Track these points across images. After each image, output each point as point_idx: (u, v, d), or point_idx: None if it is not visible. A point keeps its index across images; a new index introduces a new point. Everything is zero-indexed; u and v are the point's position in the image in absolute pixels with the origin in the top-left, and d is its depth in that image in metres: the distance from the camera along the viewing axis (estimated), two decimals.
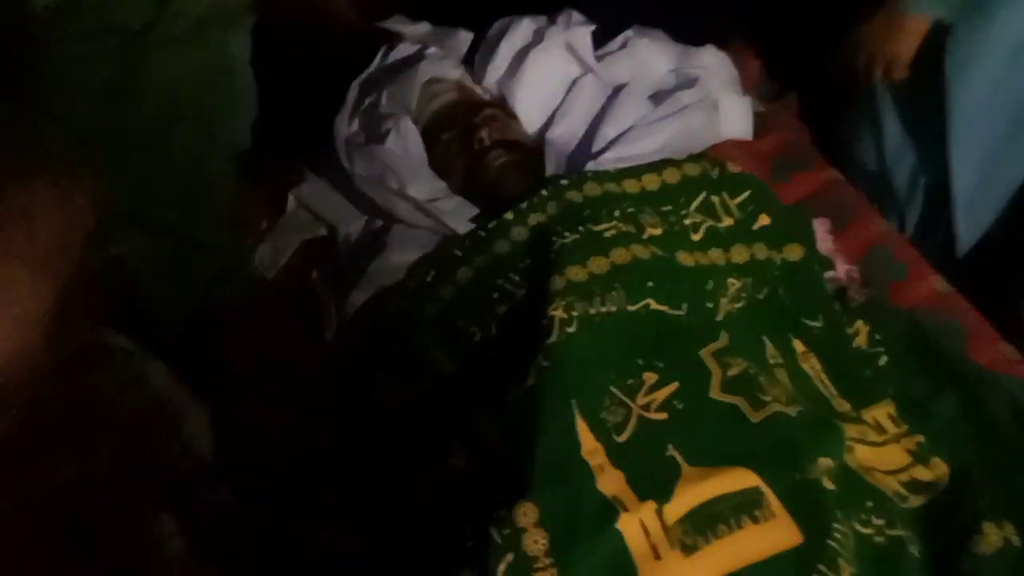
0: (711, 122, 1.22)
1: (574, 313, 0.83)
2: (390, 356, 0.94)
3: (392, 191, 1.07)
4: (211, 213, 1.10)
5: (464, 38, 1.25)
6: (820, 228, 1.15)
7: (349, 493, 0.85)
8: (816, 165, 1.26)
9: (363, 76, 1.27)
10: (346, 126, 1.19)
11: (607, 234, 0.93)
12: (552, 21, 1.19)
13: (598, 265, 0.88)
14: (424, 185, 1.08)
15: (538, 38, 1.17)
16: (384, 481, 0.84)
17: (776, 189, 1.15)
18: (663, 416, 0.80)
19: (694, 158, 1.06)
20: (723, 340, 0.85)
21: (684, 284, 0.89)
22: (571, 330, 0.82)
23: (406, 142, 1.12)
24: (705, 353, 0.84)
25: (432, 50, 1.25)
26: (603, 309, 0.85)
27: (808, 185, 1.24)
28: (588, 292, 0.85)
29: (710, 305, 0.90)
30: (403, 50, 1.27)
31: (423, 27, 1.28)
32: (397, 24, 1.28)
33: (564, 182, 1.02)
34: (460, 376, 0.89)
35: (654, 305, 0.87)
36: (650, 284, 0.87)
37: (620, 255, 0.89)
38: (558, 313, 0.82)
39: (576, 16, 1.18)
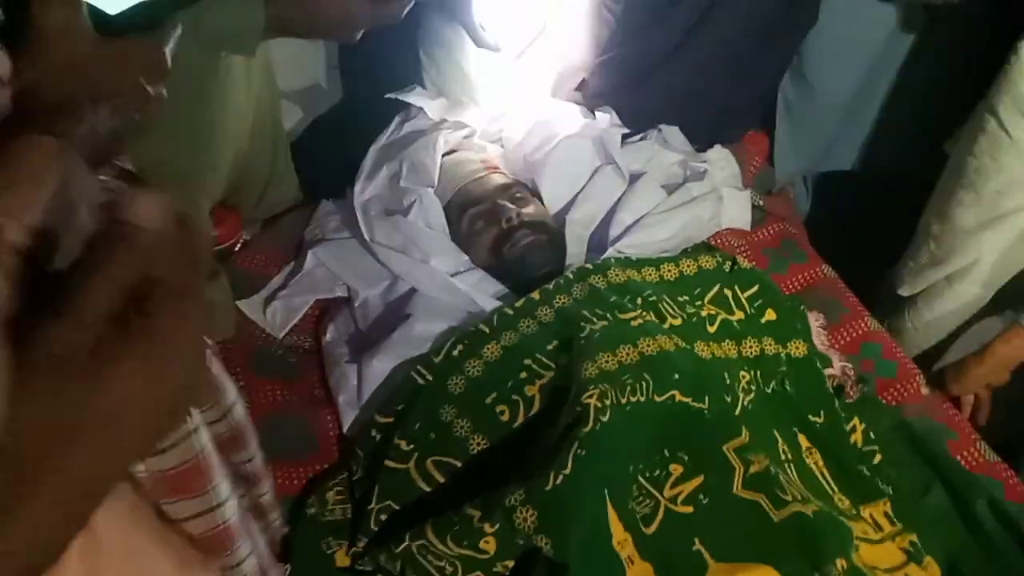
0: (715, 212, 1.27)
1: (607, 402, 0.84)
2: (413, 428, 0.94)
3: (415, 262, 1.08)
4: None
5: (483, 114, 1.28)
6: (815, 322, 1.21)
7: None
8: (810, 259, 1.32)
9: (380, 143, 1.28)
10: (364, 193, 1.19)
11: (633, 323, 0.95)
12: (588, 112, 1.25)
13: (627, 354, 0.91)
14: (447, 258, 1.09)
15: (572, 125, 1.22)
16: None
17: (774, 279, 1.21)
18: (689, 509, 0.82)
19: (708, 250, 1.11)
20: (744, 436, 0.88)
21: (706, 377, 0.92)
22: (605, 419, 0.83)
23: (428, 215, 1.13)
24: (728, 448, 0.86)
25: (451, 122, 1.28)
26: (633, 399, 0.87)
27: (803, 278, 1.30)
28: (619, 381, 0.87)
29: (729, 399, 0.93)
30: (421, 121, 1.29)
31: (441, 101, 1.31)
32: (415, 95, 1.30)
33: (588, 266, 1.05)
34: (488, 452, 0.89)
35: (679, 397, 0.89)
36: (676, 376, 0.90)
37: (647, 345, 0.92)
38: (592, 401, 0.84)
39: (613, 118, 1.24)
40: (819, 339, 1.18)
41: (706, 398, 0.91)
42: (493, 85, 1.28)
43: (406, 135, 1.26)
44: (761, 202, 1.38)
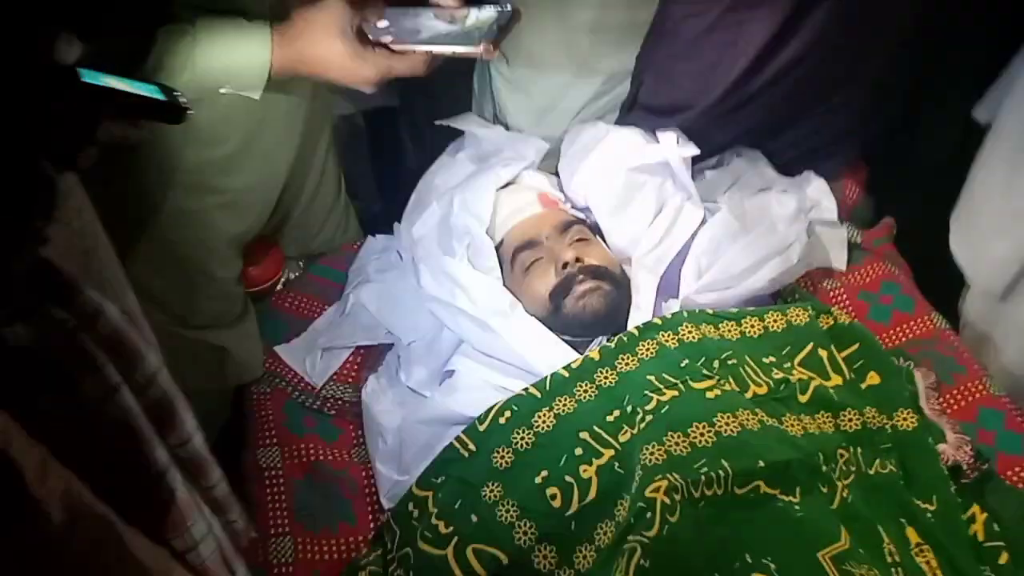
0: (807, 253, 1.11)
1: (676, 497, 0.71)
2: (452, 506, 0.82)
3: (462, 312, 0.96)
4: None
5: (540, 146, 1.15)
6: (922, 383, 1.03)
7: None
8: (918, 306, 1.14)
9: (430, 174, 1.17)
10: (412, 230, 1.09)
11: (709, 394, 0.81)
12: (651, 136, 1.10)
13: (701, 435, 0.77)
14: (496, 307, 0.97)
15: (635, 154, 1.07)
16: None
17: (873, 330, 1.04)
18: None
19: (798, 301, 0.95)
20: (843, 541, 0.72)
21: (796, 464, 0.77)
22: (673, 520, 0.70)
23: (479, 256, 1.01)
24: (824, 556, 0.71)
25: (507, 153, 1.16)
26: (708, 492, 0.73)
27: (909, 330, 1.12)
28: (691, 470, 0.73)
29: (825, 489, 0.78)
30: (474, 150, 1.18)
31: (497, 130, 1.19)
32: (468, 121, 1.19)
33: (657, 321, 0.91)
34: (535, 544, 0.77)
35: (764, 488, 0.75)
36: (760, 463, 0.75)
37: (726, 423, 0.77)
38: (659, 496, 0.70)
39: (677, 135, 1.08)
40: (928, 404, 1.01)
41: (797, 490, 0.76)
42: (549, 110, 1.15)
43: (458, 167, 1.15)
44: (859, 239, 1.20)
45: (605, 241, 1.06)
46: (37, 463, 0.44)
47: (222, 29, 0.78)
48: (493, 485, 0.82)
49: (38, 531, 0.44)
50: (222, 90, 0.80)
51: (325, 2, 0.80)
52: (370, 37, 0.81)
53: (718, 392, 0.81)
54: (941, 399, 1.02)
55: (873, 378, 0.93)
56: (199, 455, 0.63)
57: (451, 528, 0.81)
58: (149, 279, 0.92)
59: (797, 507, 0.75)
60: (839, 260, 1.18)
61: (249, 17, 0.79)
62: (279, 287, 1.14)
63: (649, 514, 0.70)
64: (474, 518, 0.81)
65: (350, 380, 1.06)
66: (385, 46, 0.81)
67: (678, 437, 0.76)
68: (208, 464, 0.64)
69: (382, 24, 0.82)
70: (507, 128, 1.19)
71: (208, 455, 0.64)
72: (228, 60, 0.78)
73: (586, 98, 1.14)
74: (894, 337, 1.11)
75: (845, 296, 1.16)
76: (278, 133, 0.97)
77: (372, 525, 0.93)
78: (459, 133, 1.19)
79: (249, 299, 1.08)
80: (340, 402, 1.04)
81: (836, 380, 0.90)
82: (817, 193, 1.19)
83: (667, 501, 0.70)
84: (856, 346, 0.94)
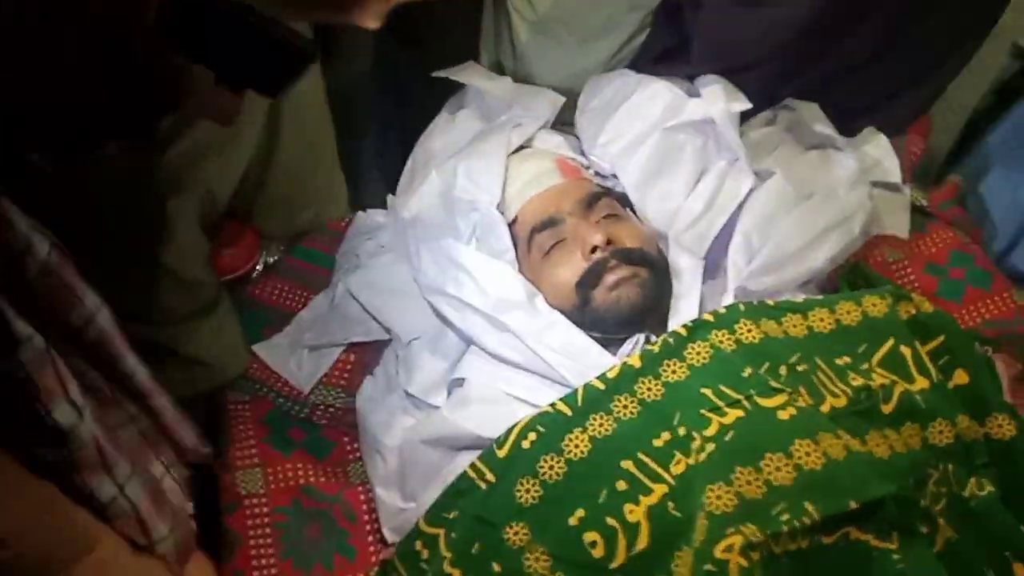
0: (868, 222, 0.94)
1: (754, 557, 0.55)
2: (468, 549, 0.67)
3: (470, 308, 0.80)
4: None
5: (555, 100, 0.96)
6: (1004, 373, 0.87)
7: None
8: (995, 283, 0.97)
9: (427, 138, 0.98)
10: (408, 206, 0.91)
11: (782, 414, 0.65)
12: (691, 87, 0.91)
13: (777, 468, 0.61)
14: (511, 298, 0.80)
15: (672, 110, 0.88)
16: None
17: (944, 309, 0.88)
18: None
19: (878, 290, 0.78)
20: None
21: (889, 501, 0.62)
22: None
23: (489, 237, 0.84)
24: None
25: (517, 110, 0.96)
26: (792, 545, 0.57)
27: (985, 309, 0.96)
28: (769, 518, 0.58)
29: (924, 530, 0.63)
30: (480, 109, 0.99)
31: (504, 82, 1.00)
32: (471, 74, 1.00)
33: (708, 318, 0.74)
34: None
35: (856, 534, 0.60)
36: (851, 504, 0.60)
37: (806, 453, 0.62)
38: (733, 558, 0.55)
39: (723, 86, 0.89)
40: (1013, 398, 0.86)
41: (893, 534, 0.61)
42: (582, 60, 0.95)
43: (461, 128, 0.97)
44: (924, 202, 1.03)
45: (636, 215, 0.88)
46: None
47: None
48: (517, 526, 0.66)
49: None
50: None
51: None
52: None
53: (792, 411, 0.65)
54: None
55: (961, 376, 0.76)
56: (143, 387, 0.65)
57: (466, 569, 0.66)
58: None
59: (896, 556, 0.60)
60: (901, 227, 1.01)
61: None
62: (255, 274, 0.96)
63: None
64: (496, 567, 0.65)
65: (342, 383, 0.89)
66: None
67: (749, 474, 0.60)
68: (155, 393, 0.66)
69: None
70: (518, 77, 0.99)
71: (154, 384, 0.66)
72: None
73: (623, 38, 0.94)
74: (967, 318, 0.95)
75: (910, 270, 0.99)
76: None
77: (374, 559, 0.78)
78: (461, 87, 1.00)
79: (223, 288, 0.91)
80: (331, 409, 0.88)
81: (922, 383, 0.73)
82: (878, 151, 1.00)
83: (744, 563, 0.55)
84: (941, 339, 0.77)
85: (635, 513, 0.63)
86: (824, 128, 0.95)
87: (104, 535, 0.58)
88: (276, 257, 0.98)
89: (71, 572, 0.55)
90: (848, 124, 0.97)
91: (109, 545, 0.58)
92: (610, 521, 0.63)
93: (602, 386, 0.71)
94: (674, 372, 0.71)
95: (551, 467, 0.68)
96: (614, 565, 0.61)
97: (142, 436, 0.66)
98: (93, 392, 0.59)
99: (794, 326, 0.75)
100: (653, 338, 0.78)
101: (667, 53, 0.93)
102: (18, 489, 0.51)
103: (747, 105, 0.87)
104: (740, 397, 0.66)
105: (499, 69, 1.02)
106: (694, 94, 0.90)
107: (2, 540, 0.49)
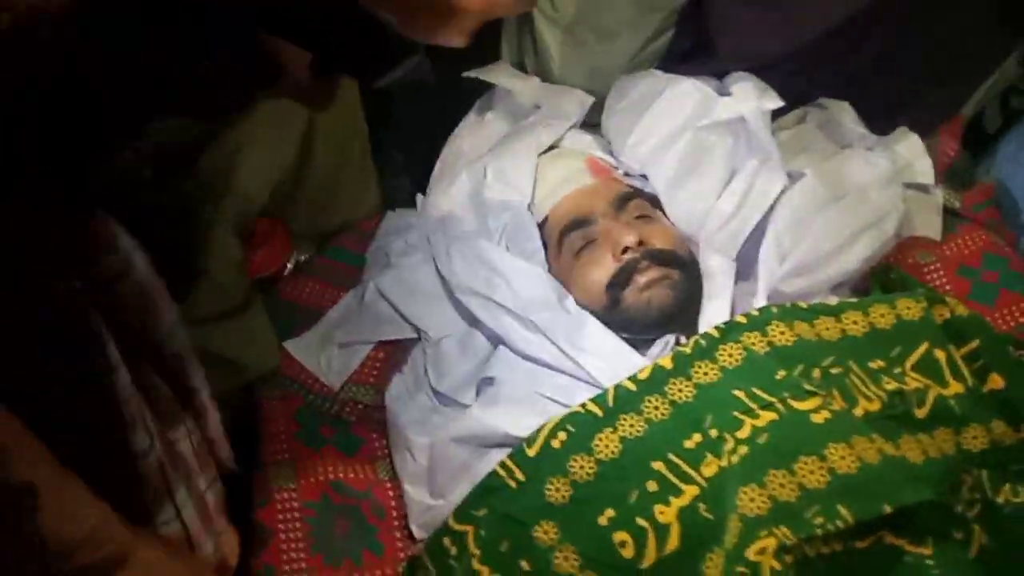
0: (901, 224, 0.93)
1: (787, 559, 0.55)
2: (497, 548, 0.67)
3: (499, 307, 0.80)
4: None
5: (584, 100, 0.96)
6: None
7: None
8: None
9: (457, 138, 0.98)
10: (437, 206, 0.91)
11: (816, 417, 0.64)
12: (721, 85, 0.90)
13: (811, 471, 0.60)
14: (542, 295, 0.81)
15: (702, 109, 0.88)
16: None
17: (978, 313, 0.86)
18: None
19: (911, 293, 0.77)
20: None
21: (924, 506, 0.61)
22: None
23: (519, 238, 0.84)
24: None
25: (546, 110, 0.96)
26: (825, 549, 0.57)
27: (1019, 313, 0.94)
28: (803, 522, 0.57)
29: (959, 536, 0.62)
30: (509, 109, 0.99)
31: (533, 82, 1.00)
32: (499, 74, 1.00)
33: (741, 319, 0.74)
34: None
35: (890, 539, 0.59)
36: (886, 508, 0.59)
37: (840, 457, 0.61)
38: (766, 560, 0.55)
39: (754, 84, 0.88)
40: None
41: (928, 539, 0.60)
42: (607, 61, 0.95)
43: (490, 128, 0.97)
44: (957, 204, 1.02)
45: (667, 218, 0.88)
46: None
47: None
48: (547, 525, 0.66)
49: None
50: None
51: None
52: None
53: (827, 414, 0.64)
54: None
55: (996, 381, 0.75)
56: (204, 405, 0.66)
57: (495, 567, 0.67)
58: None
59: (930, 562, 0.59)
60: (933, 229, 1.00)
61: None
62: (286, 272, 0.97)
63: None
64: (525, 565, 0.65)
65: (371, 380, 0.89)
66: None
67: (783, 476, 0.60)
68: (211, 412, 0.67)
69: None
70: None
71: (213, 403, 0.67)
72: None
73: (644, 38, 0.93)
74: (1001, 322, 0.93)
75: (942, 272, 0.97)
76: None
77: (402, 555, 0.78)
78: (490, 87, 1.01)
79: (254, 288, 0.92)
80: (361, 406, 0.89)
81: (956, 388, 0.73)
82: (910, 151, 0.99)
83: (776, 566, 0.54)
84: (975, 343, 0.76)
85: (666, 514, 0.63)
86: (856, 127, 0.95)
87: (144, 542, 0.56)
88: (307, 256, 0.99)
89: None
90: (877, 123, 0.96)
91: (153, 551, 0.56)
92: (640, 522, 0.63)
93: (633, 387, 0.71)
94: (706, 374, 0.71)
95: (581, 467, 0.68)
96: (644, 566, 0.61)
97: (194, 452, 0.65)
98: (156, 405, 0.59)
99: (827, 329, 0.75)
100: (683, 339, 0.78)
101: (693, 51, 0.93)
102: (85, 502, 0.50)
103: (779, 103, 0.86)
104: (773, 400, 0.66)
105: (521, 69, 1.03)
106: (724, 93, 0.89)
107: (72, 551, 0.48)
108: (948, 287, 0.96)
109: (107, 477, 0.51)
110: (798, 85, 0.95)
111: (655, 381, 0.71)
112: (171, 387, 0.61)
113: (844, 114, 0.95)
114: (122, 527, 0.52)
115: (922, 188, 1.00)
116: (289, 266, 0.97)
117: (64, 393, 0.49)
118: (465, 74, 0.99)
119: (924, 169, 0.99)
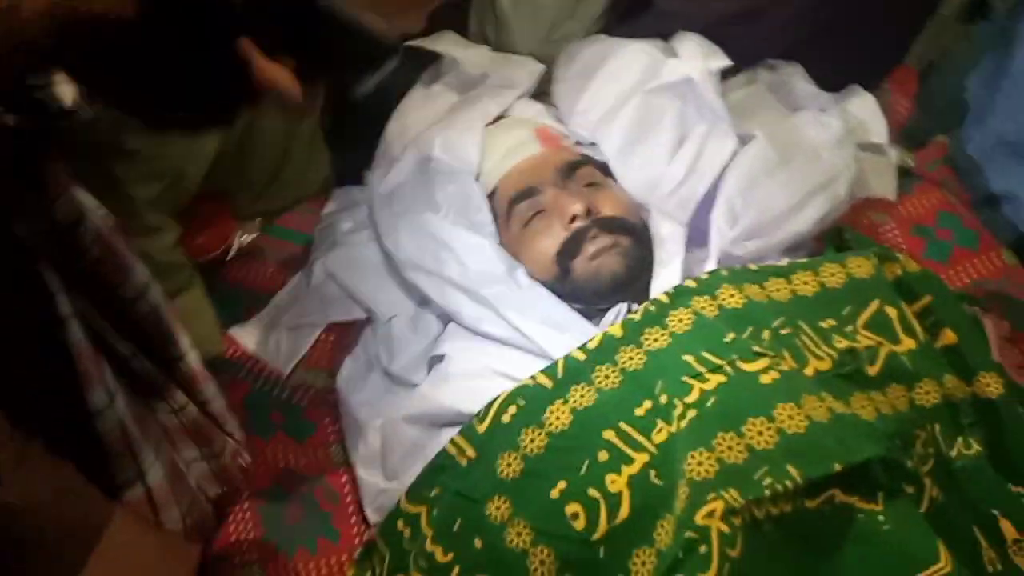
0: (855, 185, 0.92)
1: (736, 522, 0.54)
2: (450, 527, 0.66)
3: (448, 282, 0.78)
4: None
5: (533, 68, 0.94)
6: (993, 333, 0.86)
7: None
8: (982, 243, 0.96)
9: (402, 112, 0.96)
10: (383, 181, 0.89)
11: (764, 378, 0.64)
12: (668, 47, 0.88)
13: (760, 433, 0.60)
14: (491, 270, 0.79)
15: (649, 72, 0.86)
16: None
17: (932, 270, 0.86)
18: None
19: (861, 251, 0.77)
20: (943, 562, 0.57)
21: (875, 463, 0.60)
22: (734, 554, 0.53)
23: (468, 209, 0.82)
24: None
25: (494, 79, 0.94)
26: (774, 509, 0.56)
27: (973, 269, 0.95)
28: (750, 481, 0.56)
29: (910, 490, 0.62)
30: (457, 80, 0.96)
31: (481, 51, 0.97)
32: (447, 43, 0.97)
33: (690, 283, 0.72)
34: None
35: (840, 497, 0.59)
36: (836, 466, 0.59)
37: (789, 417, 0.60)
38: (714, 523, 0.54)
39: (700, 43, 0.87)
40: (1001, 357, 0.85)
41: (879, 495, 0.60)
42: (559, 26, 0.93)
43: (437, 100, 0.94)
44: (911, 162, 1.01)
45: (617, 183, 0.86)
46: None
47: None
48: (499, 501, 0.65)
49: None
50: None
51: None
52: None
53: (775, 375, 0.63)
54: (1018, 351, 0.86)
55: (948, 337, 0.75)
56: (192, 372, 0.62)
57: (451, 555, 0.65)
58: None
59: (881, 518, 0.59)
60: (888, 189, 0.99)
61: None
62: (230, 255, 0.94)
63: (703, 547, 0.53)
64: (478, 543, 0.64)
65: (323, 364, 0.88)
66: None
67: (731, 439, 0.59)
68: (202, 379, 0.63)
69: None
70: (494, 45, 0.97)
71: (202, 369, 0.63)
72: None
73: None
74: (955, 278, 0.94)
75: (897, 232, 0.98)
76: None
77: (358, 541, 0.77)
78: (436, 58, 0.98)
79: (194, 271, 0.89)
80: (312, 391, 0.87)
81: (908, 344, 0.72)
82: (864, 111, 0.99)
83: (725, 529, 0.54)
84: (927, 299, 0.76)
85: (616, 483, 0.61)
86: (808, 85, 0.93)
87: (118, 514, 0.55)
88: (252, 237, 0.96)
89: (91, 546, 0.52)
90: (824, 80, 0.95)
91: (126, 525, 0.56)
92: (592, 492, 0.62)
93: (583, 357, 0.69)
94: (656, 340, 0.69)
95: (532, 440, 0.66)
96: (596, 536, 0.60)
97: (182, 427, 0.63)
98: (132, 378, 0.57)
99: (777, 290, 0.74)
100: (635, 307, 0.77)
101: (633, 8, 0.91)
102: (41, 464, 0.49)
103: (726, 62, 0.85)
104: (722, 363, 0.65)
105: (483, 39, 1.00)
106: (672, 54, 0.87)
107: (25, 511, 0.47)
108: (903, 246, 0.96)
109: (64, 435, 0.50)
110: (754, 46, 0.93)
111: (605, 350, 0.69)
112: (153, 357, 0.59)
113: (795, 75, 0.94)
114: (91, 488, 0.51)
115: (876, 148, 1.00)
116: (234, 248, 0.94)
117: (13, 345, 0.47)
118: (409, 43, 0.96)
119: (878, 129, 0.99)
